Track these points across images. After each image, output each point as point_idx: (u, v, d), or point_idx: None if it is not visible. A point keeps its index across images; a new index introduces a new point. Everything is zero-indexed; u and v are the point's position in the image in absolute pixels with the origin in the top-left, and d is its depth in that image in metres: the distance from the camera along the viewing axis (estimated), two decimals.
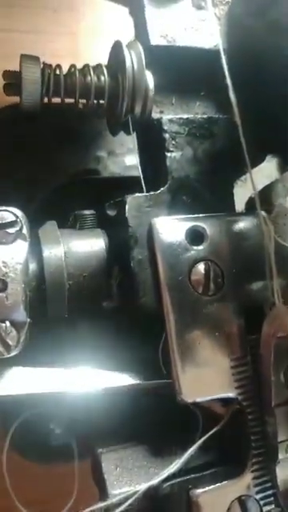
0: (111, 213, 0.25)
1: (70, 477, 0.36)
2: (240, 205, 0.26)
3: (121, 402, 0.23)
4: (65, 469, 0.36)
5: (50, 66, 0.24)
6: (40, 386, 0.21)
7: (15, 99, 0.37)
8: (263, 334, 0.20)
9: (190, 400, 0.19)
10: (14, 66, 0.42)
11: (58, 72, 0.24)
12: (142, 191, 0.23)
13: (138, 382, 0.21)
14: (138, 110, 0.24)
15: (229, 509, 0.19)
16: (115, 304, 0.23)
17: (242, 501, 0.20)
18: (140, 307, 0.21)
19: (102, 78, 0.24)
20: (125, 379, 0.21)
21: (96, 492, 0.36)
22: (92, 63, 0.26)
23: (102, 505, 0.19)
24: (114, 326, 0.23)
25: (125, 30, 0.29)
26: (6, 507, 0.35)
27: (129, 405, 0.23)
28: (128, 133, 0.25)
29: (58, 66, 0.24)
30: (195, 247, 0.21)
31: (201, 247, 0.21)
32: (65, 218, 0.27)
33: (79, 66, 0.26)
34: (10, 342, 0.19)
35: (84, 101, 0.26)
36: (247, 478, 0.20)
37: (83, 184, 0.32)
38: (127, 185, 0.25)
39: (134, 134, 0.26)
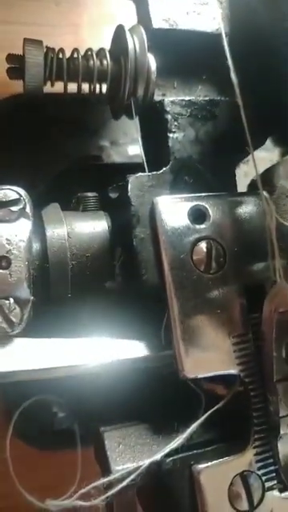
0: (113, 195, 0.25)
1: (72, 463, 0.37)
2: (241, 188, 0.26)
3: (123, 381, 0.23)
4: (67, 455, 0.36)
5: (53, 49, 0.24)
6: (42, 362, 0.21)
7: (19, 89, 0.37)
8: (264, 311, 0.20)
9: (192, 376, 0.20)
10: None
11: (60, 56, 0.24)
12: None
13: (141, 355, 0.21)
14: (140, 92, 0.24)
15: (231, 484, 0.20)
16: (118, 284, 0.23)
17: (244, 476, 0.20)
18: (142, 285, 0.21)
19: (105, 61, 0.25)
20: (128, 352, 0.21)
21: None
22: None
23: (104, 480, 0.19)
24: (117, 305, 0.23)
25: (127, 22, 0.29)
26: (8, 493, 0.35)
27: (131, 384, 0.23)
28: (131, 117, 0.25)
29: (61, 50, 0.25)
30: (197, 226, 0.21)
31: (203, 226, 0.21)
32: (67, 202, 0.28)
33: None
34: (14, 319, 0.19)
35: (87, 86, 0.26)
36: (249, 453, 0.20)
37: (86, 170, 0.32)
38: (129, 171, 0.26)
39: (137, 119, 0.26)
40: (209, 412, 0.20)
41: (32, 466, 0.36)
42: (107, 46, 0.28)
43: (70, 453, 0.36)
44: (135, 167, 0.28)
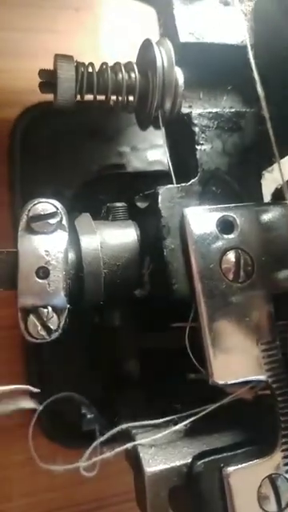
0: (141, 205, 0.26)
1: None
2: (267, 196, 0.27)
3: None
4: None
5: (83, 63, 0.25)
6: None
7: (43, 97, 0.38)
8: None
9: (221, 382, 0.20)
10: (39, 65, 0.43)
11: (90, 70, 0.25)
12: (167, 184, 0.24)
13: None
14: (168, 105, 0.25)
15: (260, 486, 0.20)
16: (146, 292, 0.24)
17: (272, 479, 0.20)
18: (173, 293, 0.21)
19: (133, 75, 0.25)
20: None
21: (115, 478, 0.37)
22: (112, 62, 0.27)
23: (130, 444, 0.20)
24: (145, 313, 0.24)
25: (145, 29, 0.30)
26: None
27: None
28: (157, 127, 0.26)
29: (91, 64, 0.25)
30: (226, 236, 0.21)
31: (231, 236, 0.21)
32: (93, 209, 0.28)
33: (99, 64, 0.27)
34: (52, 326, 0.20)
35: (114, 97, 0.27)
36: (277, 457, 0.21)
37: (109, 179, 0.33)
38: (153, 179, 0.26)
39: (163, 130, 0.27)
40: (216, 404, 0.21)
41: (58, 464, 0.37)
42: (124, 52, 0.29)
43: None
44: (157, 175, 0.29)
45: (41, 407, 0.30)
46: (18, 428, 0.37)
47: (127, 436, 0.22)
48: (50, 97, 0.39)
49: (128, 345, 0.27)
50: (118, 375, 0.28)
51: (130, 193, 0.28)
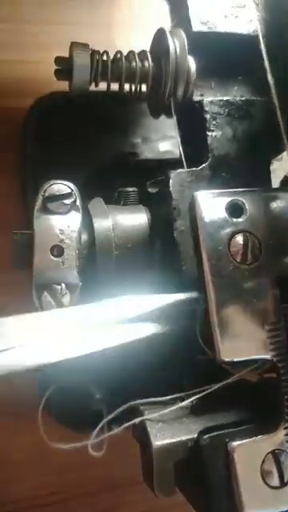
0: (152, 190, 0.27)
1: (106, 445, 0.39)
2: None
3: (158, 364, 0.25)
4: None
5: (98, 52, 0.26)
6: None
7: (56, 88, 0.39)
8: None
9: (227, 359, 0.21)
10: (52, 56, 0.44)
11: (105, 58, 0.26)
12: None
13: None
14: (180, 93, 0.25)
15: (263, 461, 0.21)
16: (156, 274, 0.25)
17: (275, 454, 0.21)
18: (181, 274, 0.22)
19: (146, 63, 0.26)
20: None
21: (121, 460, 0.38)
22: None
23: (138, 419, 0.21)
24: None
25: (160, 21, 0.30)
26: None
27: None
28: (169, 115, 0.27)
29: (106, 52, 0.26)
30: (235, 219, 0.22)
31: (240, 220, 0.22)
32: (105, 195, 0.29)
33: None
34: (65, 303, 0.21)
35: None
36: (281, 434, 0.21)
37: (122, 167, 0.34)
38: (164, 167, 0.27)
39: (174, 116, 0.27)
40: (223, 383, 0.22)
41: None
42: (139, 44, 0.30)
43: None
44: (169, 164, 0.29)
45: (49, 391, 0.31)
46: (28, 412, 0.38)
47: (135, 412, 0.23)
48: (62, 87, 0.40)
49: None
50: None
51: (141, 180, 0.29)
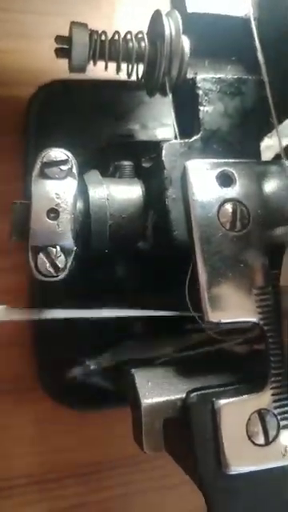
0: (147, 165, 0.28)
1: (100, 425, 0.39)
2: None
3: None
4: (96, 418, 0.39)
5: (97, 31, 0.27)
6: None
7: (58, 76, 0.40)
8: (283, 264, 0.22)
9: (215, 320, 0.22)
10: (53, 47, 0.45)
11: (103, 38, 0.27)
12: None
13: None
14: (174, 72, 0.26)
15: (249, 419, 0.22)
16: (149, 244, 0.26)
17: (261, 413, 0.22)
18: (173, 240, 0.23)
19: (143, 43, 0.27)
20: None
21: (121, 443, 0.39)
22: None
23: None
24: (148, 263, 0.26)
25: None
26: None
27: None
28: (164, 94, 0.28)
29: (104, 33, 0.27)
30: (224, 189, 0.23)
31: (229, 189, 0.23)
32: (104, 172, 0.30)
33: None
34: (59, 265, 0.22)
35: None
36: (267, 394, 0.22)
37: (119, 147, 0.35)
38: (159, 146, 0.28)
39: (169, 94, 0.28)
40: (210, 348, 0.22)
41: (60, 427, 0.39)
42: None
43: (98, 414, 0.39)
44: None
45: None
46: (27, 391, 0.39)
47: (127, 372, 0.24)
48: (62, 76, 0.41)
49: (129, 298, 0.28)
50: (120, 327, 0.29)
51: (137, 159, 0.30)
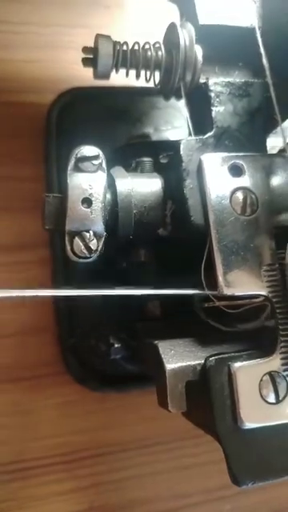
0: (164, 161, 0.31)
1: (120, 408, 0.42)
2: None
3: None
4: (117, 399, 0.42)
5: (119, 42, 0.30)
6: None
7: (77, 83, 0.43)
8: None
9: (229, 293, 0.25)
10: (71, 56, 0.48)
11: (125, 48, 0.30)
12: None
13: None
14: (188, 77, 0.30)
15: (261, 380, 0.25)
16: (168, 231, 0.29)
17: (272, 375, 0.25)
18: (190, 225, 0.26)
19: (160, 52, 0.30)
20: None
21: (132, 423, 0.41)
22: None
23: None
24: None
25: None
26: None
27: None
28: (179, 97, 0.31)
29: (125, 43, 0.30)
30: (235, 178, 0.26)
31: (240, 179, 0.26)
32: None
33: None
34: (92, 247, 0.25)
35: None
36: (276, 358, 0.25)
37: (136, 147, 0.38)
38: (173, 145, 0.31)
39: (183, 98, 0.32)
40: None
41: (81, 408, 0.41)
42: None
43: (119, 397, 0.41)
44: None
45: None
46: (50, 375, 0.41)
47: (151, 345, 0.27)
48: (81, 84, 0.44)
49: (150, 281, 0.31)
50: (142, 311, 0.32)
51: (153, 156, 0.33)
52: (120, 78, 0.32)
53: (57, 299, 0.40)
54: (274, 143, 0.32)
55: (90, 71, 0.32)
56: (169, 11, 0.36)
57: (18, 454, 0.40)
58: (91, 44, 0.31)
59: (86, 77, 0.41)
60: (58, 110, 0.43)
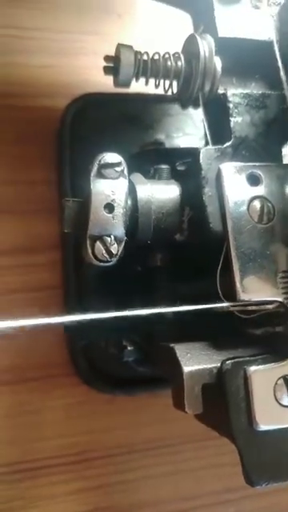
0: (181, 168, 0.32)
1: (129, 410, 0.42)
2: None
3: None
4: (126, 402, 0.42)
5: (140, 52, 0.31)
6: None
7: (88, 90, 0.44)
8: None
9: (246, 298, 0.26)
10: (84, 63, 0.49)
11: (145, 57, 0.31)
12: None
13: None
14: (207, 88, 0.30)
15: (276, 384, 0.25)
16: (185, 236, 0.30)
17: (286, 379, 0.26)
18: (209, 231, 0.27)
19: (179, 63, 0.31)
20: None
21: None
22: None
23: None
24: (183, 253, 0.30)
25: (181, 33, 0.35)
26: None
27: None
28: (197, 106, 0.32)
29: (146, 53, 0.31)
30: (253, 187, 0.27)
31: (257, 188, 0.27)
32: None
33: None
34: (113, 251, 0.26)
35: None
36: None
37: (150, 153, 0.39)
38: (187, 153, 0.32)
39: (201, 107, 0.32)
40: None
41: (91, 410, 0.42)
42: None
43: (128, 399, 0.42)
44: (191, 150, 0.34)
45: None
46: (59, 377, 0.42)
47: (167, 348, 0.28)
48: (93, 89, 0.45)
49: (166, 286, 0.32)
50: (156, 314, 0.33)
51: (169, 163, 0.34)
52: (133, 84, 0.33)
53: (67, 303, 0.41)
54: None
55: (101, 76, 0.33)
56: (180, 19, 0.37)
57: (26, 453, 0.40)
58: (102, 50, 0.32)
59: (97, 82, 0.42)
60: (72, 115, 0.43)
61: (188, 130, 0.45)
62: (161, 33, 0.48)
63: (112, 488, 0.42)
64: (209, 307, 0.28)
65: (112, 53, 0.32)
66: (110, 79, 0.33)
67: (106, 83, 0.34)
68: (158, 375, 0.36)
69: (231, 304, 0.27)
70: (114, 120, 0.44)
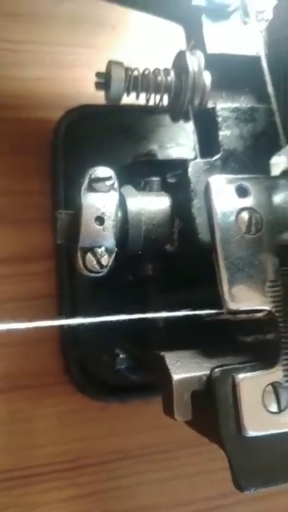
0: (171, 180, 0.32)
1: (123, 417, 0.43)
2: None
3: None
4: (120, 409, 0.43)
5: (130, 68, 0.32)
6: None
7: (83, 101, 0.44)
8: None
9: (234, 308, 0.26)
10: (79, 75, 0.50)
11: (136, 73, 0.32)
12: None
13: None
14: (196, 102, 0.31)
15: (264, 390, 0.26)
16: (175, 247, 0.30)
17: (274, 386, 0.26)
18: (198, 242, 0.28)
19: (169, 77, 0.32)
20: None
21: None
22: None
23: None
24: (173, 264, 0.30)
25: (175, 46, 0.36)
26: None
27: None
28: (187, 120, 0.32)
29: (136, 69, 0.32)
30: (241, 199, 0.28)
31: (245, 199, 0.28)
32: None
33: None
34: (103, 263, 0.27)
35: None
36: (279, 370, 0.26)
37: (142, 165, 0.40)
38: (179, 164, 0.32)
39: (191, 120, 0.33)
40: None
41: (84, 417, 0.42)
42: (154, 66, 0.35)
43: (121, 406, 0.42)
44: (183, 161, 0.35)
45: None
46: (53, 385, 0.42)
47: (157, 357, 0.28)
48: (87, 101, 0.46)
49: (155, 294, 0.33)
50: (146, 322, 0.33)
51: (160, 175, 0.34)
52: (125, 97, 0.34)
53: (62, 311, 0.41)
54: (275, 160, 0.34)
55: (94, 88, 0.33)
56: (173, 32, 0.38)
57: (19, 461, 0.40)
58: (96, 62, 0.33)
59: (91, 94, 0.43)
60: (66, 127, 0.44)
61: (181, 140, 0.46)
62: (154, 45, 0.49)
63: (106, 494, 0.42)
64: (199, 313, 0.28)
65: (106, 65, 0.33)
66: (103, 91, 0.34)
67: (99, 95, 0.34)
68: (150, 382, 0.37)
69: (221, 311, 0.27)
70: (107, 131, 0.45)
